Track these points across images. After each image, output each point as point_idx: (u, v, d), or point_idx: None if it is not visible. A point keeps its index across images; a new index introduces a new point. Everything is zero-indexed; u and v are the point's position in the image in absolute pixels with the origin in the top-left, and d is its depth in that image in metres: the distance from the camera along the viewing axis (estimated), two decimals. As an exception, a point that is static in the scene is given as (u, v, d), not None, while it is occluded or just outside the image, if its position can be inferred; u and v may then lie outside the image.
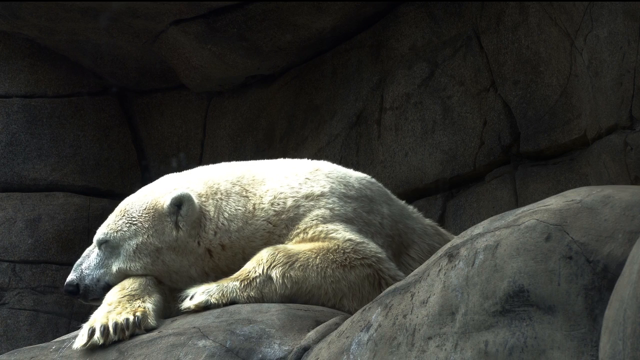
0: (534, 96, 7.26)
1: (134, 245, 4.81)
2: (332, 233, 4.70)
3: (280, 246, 4.68)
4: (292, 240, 4.76)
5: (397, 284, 3.92)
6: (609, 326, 3.12)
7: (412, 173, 7.89)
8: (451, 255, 3.65)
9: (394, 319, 3.72)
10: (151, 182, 5.14)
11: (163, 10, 8.43)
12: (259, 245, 4.75)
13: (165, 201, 4.84)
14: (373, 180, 5.21)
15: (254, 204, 4.85)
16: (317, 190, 4.86)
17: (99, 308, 4.64)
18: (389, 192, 5.26)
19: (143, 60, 9.19)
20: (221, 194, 4.89)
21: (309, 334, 4.18)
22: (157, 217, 4.85)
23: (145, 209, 4.88)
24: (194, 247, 4.80)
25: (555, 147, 7.12)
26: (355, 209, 4.86)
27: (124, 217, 4.90)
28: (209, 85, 9.20)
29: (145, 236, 4.83)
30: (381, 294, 3.98)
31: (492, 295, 3.44)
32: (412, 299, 3.71)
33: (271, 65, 8.86)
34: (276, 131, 8.94)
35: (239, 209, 4.85)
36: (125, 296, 4.62)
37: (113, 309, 4.54)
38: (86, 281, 4.87)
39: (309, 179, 4.91)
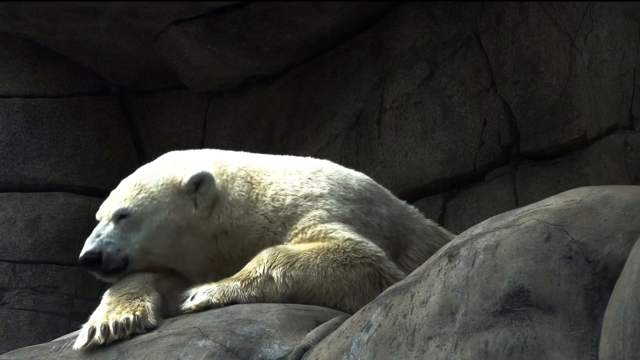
0: (534, 96, 7.26)
1: (157, 222, 4.75)
2: (331, 233, 4.71)
3: (281, 246, 4.68)
4: (291, 240, 4.77)
5: (397, 284, 3.92)
6: (609, 326, 3.12)
7: (412, 173, 7.89)
8: (451, 255, 3.65)
9: (394, 319, 3.72)
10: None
11: (163, 10, 8.43)
12: (254, 239, 4.76)
13: (183, 178, 4.79)
14: (373, 182, 5.21)
15: (257, 194, 4.85)
16: (316, 191, 4.86)
17: (98, 308, 4.63)
18: (389, 193, 5.27)
19: (143, 60, 9.19)
20: (227, 175, 4.87)
21: (309, 334, 4.18)
22: (176, 192, 4.80)
23: (163, 185, 4.81)
24: (205, 229, 4.79)
25: (555, 147, 7.12)
26: (353, 210, 4.87)
27: (142, 192, 4.80)
28: (209, 85, 9.20)
29: (167, 212, 4.77)
30: (381, 294, 3.98)
31: (492, 295, 3.45)
32: (412, 299, 3.71)
33: (271, 65, 8.86)
34: (276, 131, 8.94)
35: (242, 195, 4.84)
36: (124, 295, 4.61)
37: (113, 309, 4.54)
38: (108, 249, 4.72)
39: (310, 179, 4.91)
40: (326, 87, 8.63)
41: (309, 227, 4.74)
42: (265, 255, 4.60)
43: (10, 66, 9.22)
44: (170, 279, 4.88)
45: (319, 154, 8.27)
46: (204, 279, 4.75)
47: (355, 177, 5.10)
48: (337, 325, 4.14)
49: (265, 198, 4.83)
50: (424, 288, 3.68)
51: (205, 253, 4.80)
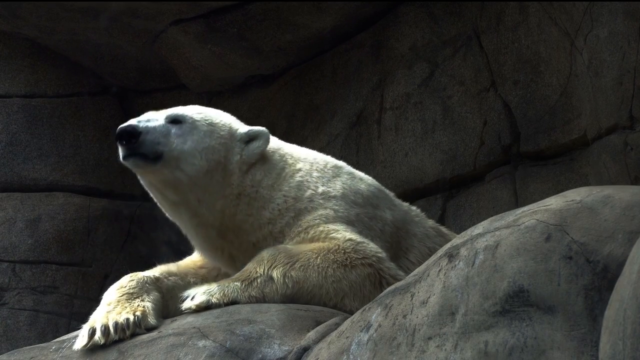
0: (534, 96, 7.26)
1: (206, 143, 4.84)
2: (332, 233, 4.73)
3: (281, 246, 4.70)
4: (292, 239, 4.79)
5: (397, 284, 3.92)
6: (609, 326, 3.12)
7: (412, 173, 7.89)
8: (451, 256, 3.65)
9: (394, 319, 3.72)
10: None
11: (163, 10, 8.43)
12: (265, 220, 4.84)
13: (240, 127, 5.00)
14: (381, 187, 5.29)
15: (287, 173, 4.98)
16: (332, 192, 4.96)
17: (98, 308, 4.62)
18: (393, 196, 5.31)
19: (143, 60, 9.19)
20: (270, 148, 5.04)
21: (309, 334, 4.18)
22: (230, 133, 4.95)
23: (222, 122, 4.99)
24: (235, 182, 4.88)
25: (555, 147, 7.11)
26: (358, 214, 4.93)
27: (203, 114, 4.94)
28: (209, 85, 9.20)
29: (217, 142, 4.88)
30: (381, 294, 3.98)
31: (492, 295, 3.44)
32: (412, 299, 3.71)
33: (271, 65, 8.86)
34: (276, 131, 8.88)
35: (276, 169, 4.98)
36: (124, 295, 4.61)
37: (112, 309, 4.54)
38: (149, 136, 4.69)
39: (329, 180, 4.98)
40: (326, 87, 8.63)
41: (312, 226, 4.79)
42: (265, 255, 4.61)
43: (10, 66, 9.22)
44: (170, 279, 4.89)
45: (319, 154, 8.27)
46: (219, 220, 4.80)
47: (366, 182, 5.18)
48: (337, 325, 4.14)
49: (292, 180, 4.96)
50: (424, 288, 3.68)
51: (223, 205, 4.87)
